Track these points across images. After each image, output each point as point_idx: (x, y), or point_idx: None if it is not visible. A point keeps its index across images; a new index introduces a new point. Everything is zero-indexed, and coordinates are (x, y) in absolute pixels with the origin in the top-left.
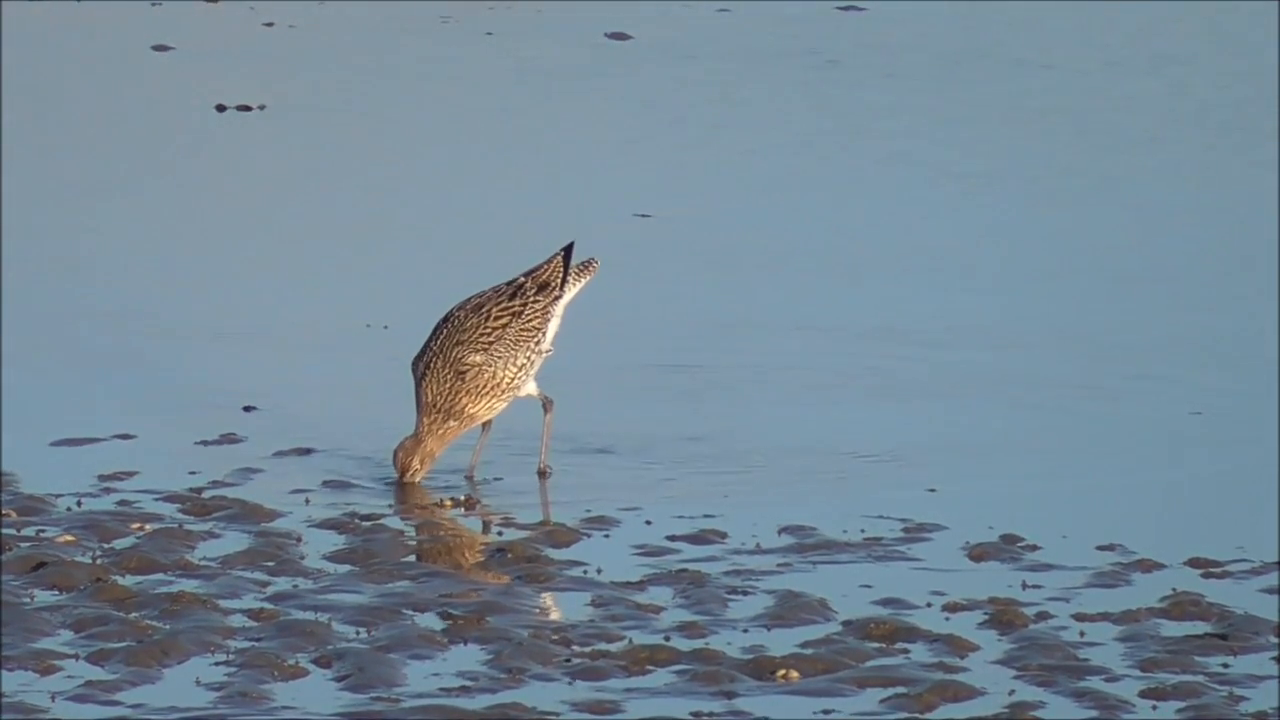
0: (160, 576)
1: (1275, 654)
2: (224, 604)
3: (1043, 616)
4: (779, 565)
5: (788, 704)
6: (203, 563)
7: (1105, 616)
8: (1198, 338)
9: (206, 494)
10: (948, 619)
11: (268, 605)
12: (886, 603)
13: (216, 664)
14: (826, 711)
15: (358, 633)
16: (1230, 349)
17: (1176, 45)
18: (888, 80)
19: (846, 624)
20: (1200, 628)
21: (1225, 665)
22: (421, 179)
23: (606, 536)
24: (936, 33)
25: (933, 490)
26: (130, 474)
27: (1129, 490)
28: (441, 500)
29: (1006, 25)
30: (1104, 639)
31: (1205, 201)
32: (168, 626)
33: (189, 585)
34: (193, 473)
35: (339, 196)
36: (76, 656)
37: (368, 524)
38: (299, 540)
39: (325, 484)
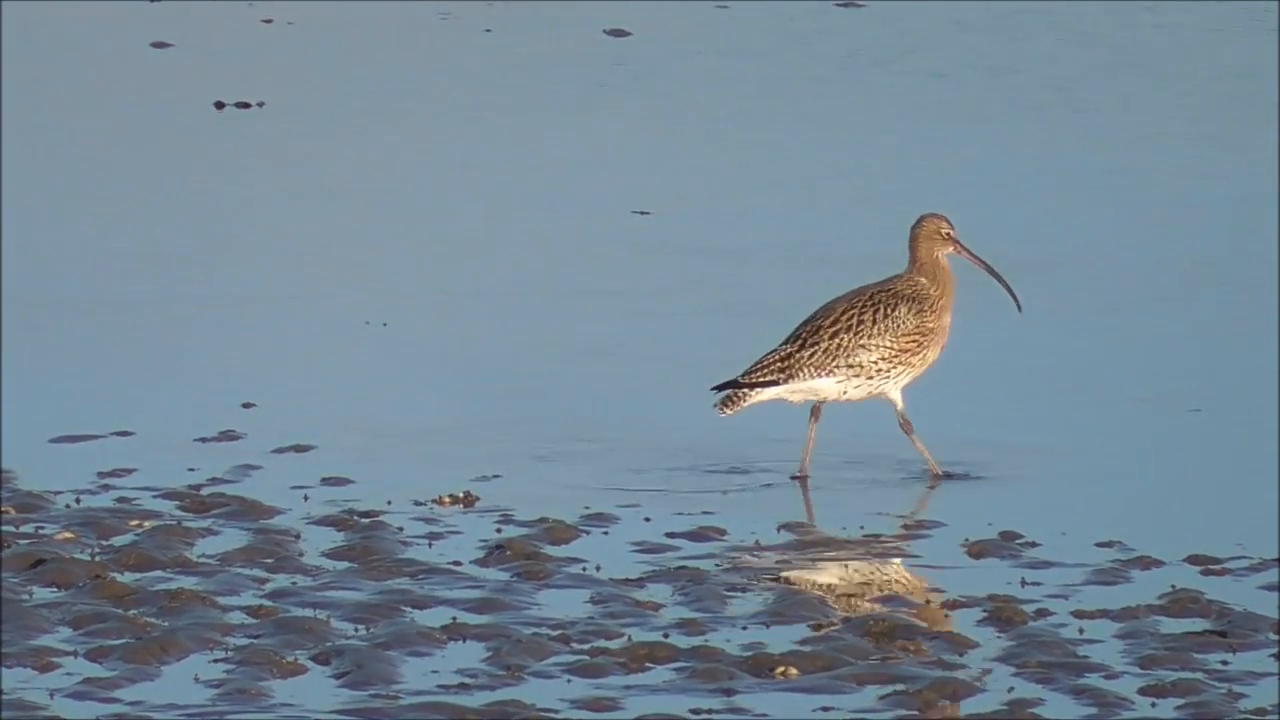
0: (159, 573)
1: (1274, 651)
2: (223, 601)
3: (1042, 613)
4: (778, 562)
5: (787, 701)
6: (201, 560)
7: (1104, 613)
8: (1196, 334)
9: (205, 491)
10: (947, 616)
11: (266, 602)
12: (886, 600)
13: (215, 661)
14: (825, 709)
15: (356, 630)
16: (1229, 345)
17: (1179, 42)
18: (887, 76)
19: (846, 621)
20: (1199, 624)
21: (1224, 662)
22: (420, 176)
23: (605, 533)
24: (935, 29)
25: (932, 487)
26: (129, 471)
27: (1128, 487)
28: (439, 497)
29: (1005, 21)
30: (1103, 636)
31: (1204, 198)
32: (166, 623)
33: (188, 582)
34: (191, 470)
35: (337, 193)
36: (75, 653)
37: (366, 521)
38: (298, 537)
39: (324, 481)
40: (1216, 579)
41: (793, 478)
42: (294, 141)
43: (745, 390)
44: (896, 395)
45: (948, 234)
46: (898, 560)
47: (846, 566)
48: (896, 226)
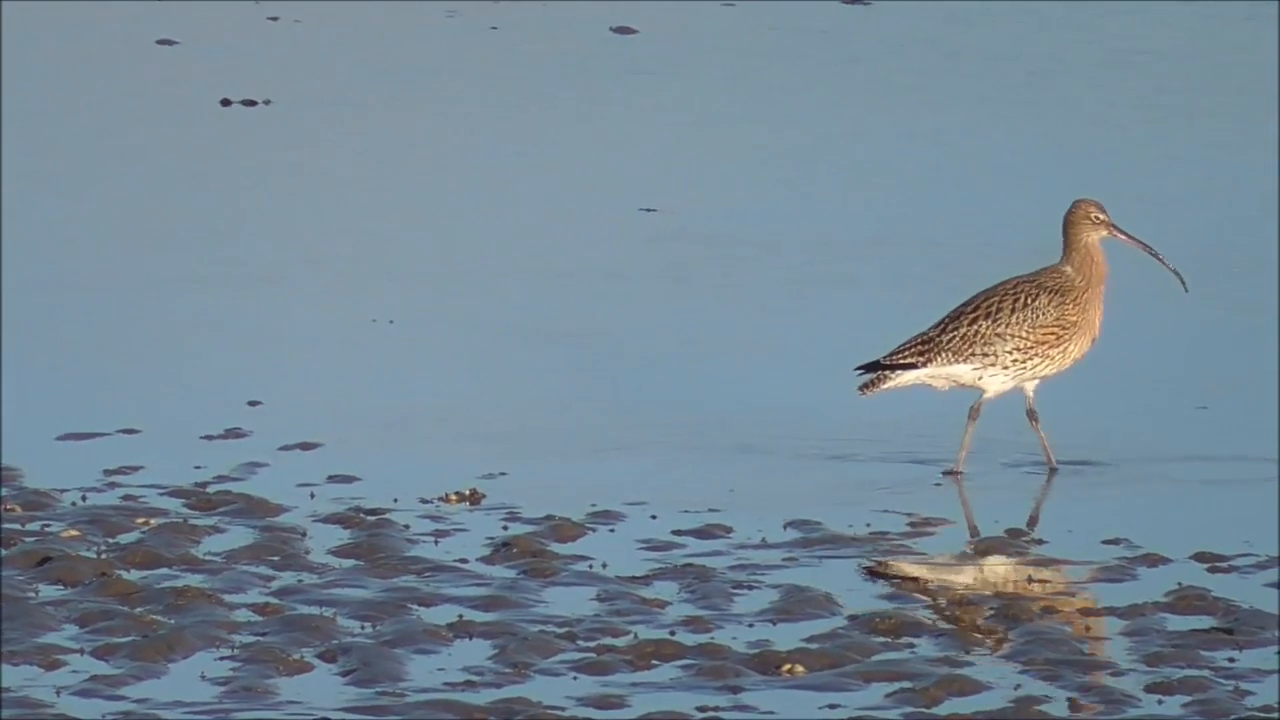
0: (165, 571)
1: None
2: (229, 599)
3: (1048, 611)
4: (784, 560)
5: (793, 698)
6: (208, 557)
7: (1111, 611)
8: (1201, 329)
9: (211, 489)
10: (954, 614)
11: (272, 600)
12: (892, 597)
13: (222, 658)
14: (832, 705)
15: (363, 627)
16: (1234, 340)
17: (1172, 40)
18: (893, 74)
19: (852, 619)
20: (1206, 622)
21: (1231, 660)
22: (427, 173)
23: (612, 531)
24: (940, 27)
25: (938, 484)
26: (135, 469)
27: (1134, 485)
28: (446, 494)
29: (1008, 20)
30: (1110, 633)
31: (1203, 199)
32: (173, 621)
33: (194, 580)
34: (197, 467)
35: (343, 191)
36: (81, 651)
37: (372, 519)
38: (304, 535)
39: (330, 479)
40: (1223, 576)
41: (945, 473)
42: (300, 139)
43: (886, 372)
44: (1030, 387)
45: (1098, 218)
46: (904, 557)
47: (853, 564)
48: (899, 215)
